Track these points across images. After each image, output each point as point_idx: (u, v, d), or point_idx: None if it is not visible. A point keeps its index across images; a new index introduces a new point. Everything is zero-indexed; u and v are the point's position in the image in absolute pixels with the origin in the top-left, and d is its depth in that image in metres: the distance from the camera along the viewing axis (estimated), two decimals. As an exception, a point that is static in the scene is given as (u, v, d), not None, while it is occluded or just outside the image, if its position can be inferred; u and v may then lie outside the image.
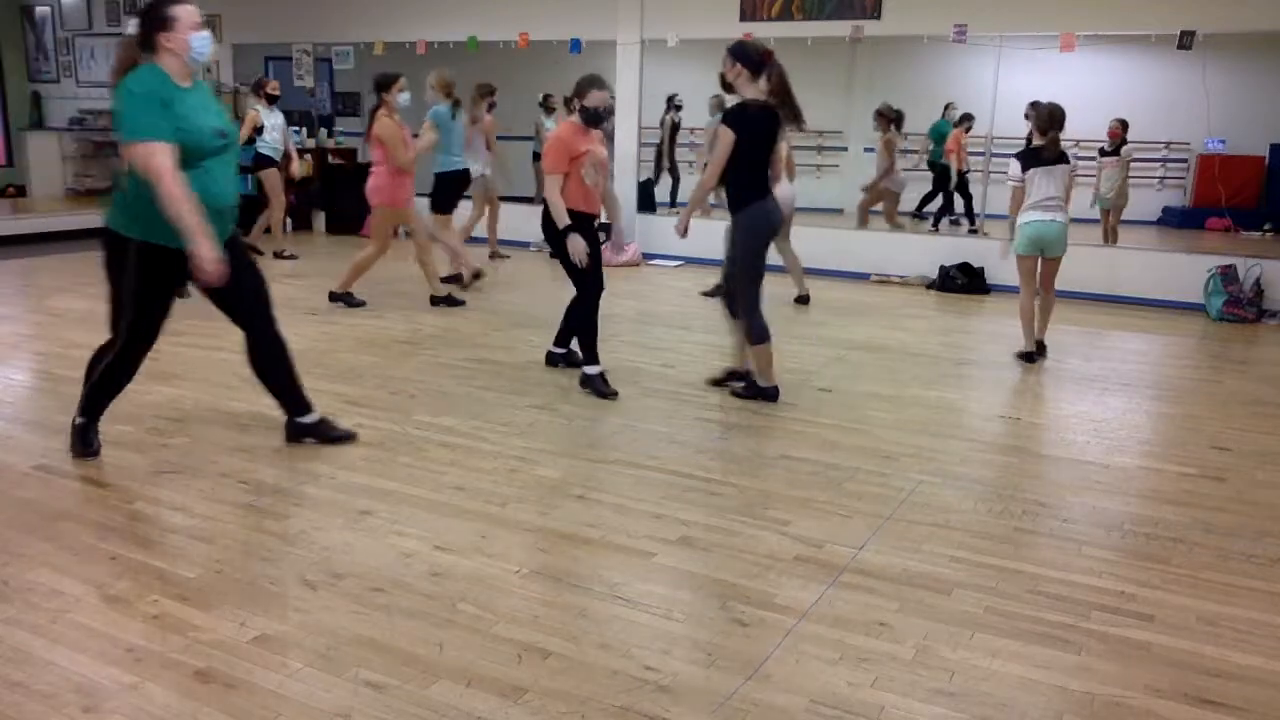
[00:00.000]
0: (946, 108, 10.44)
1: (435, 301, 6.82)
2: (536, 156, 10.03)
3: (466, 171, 7.39)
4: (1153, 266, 7.91)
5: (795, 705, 2.23)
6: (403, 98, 6.27)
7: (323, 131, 11.26)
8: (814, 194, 10.47)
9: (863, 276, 8.75)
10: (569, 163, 4.56)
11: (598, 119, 4.66)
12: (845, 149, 11.33)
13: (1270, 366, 5.87)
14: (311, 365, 5.10)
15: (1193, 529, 3.32)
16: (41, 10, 12.64)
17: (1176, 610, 2.74)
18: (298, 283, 7.65)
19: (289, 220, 9.85)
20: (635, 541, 3.09)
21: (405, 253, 7.82)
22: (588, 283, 4.69)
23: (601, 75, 4.78)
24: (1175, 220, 10.88)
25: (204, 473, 3.58)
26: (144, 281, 3.41)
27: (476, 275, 7.54)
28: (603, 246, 4.93)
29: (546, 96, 10.31)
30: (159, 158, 3.15)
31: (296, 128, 9.41)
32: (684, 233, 4.65)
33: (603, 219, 4.99)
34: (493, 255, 9.10)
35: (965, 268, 8.25)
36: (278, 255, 8.71)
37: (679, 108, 10.93)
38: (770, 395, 4.67)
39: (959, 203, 10.40)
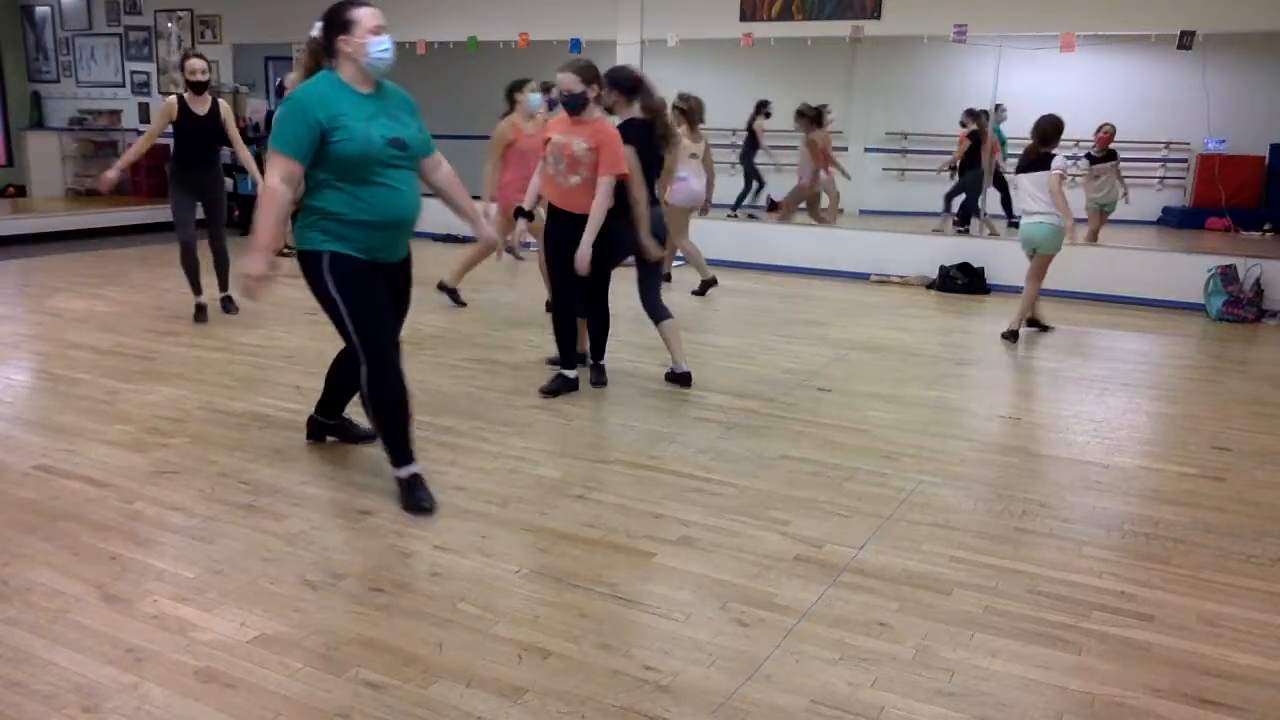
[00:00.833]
0: (997, 109, 10.13)
1: (442, 288, 6.90)
2: None
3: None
4: (1152, 266, 7.91)
5: (795, 705, 2.23)
6: (533, 99, 6.26)
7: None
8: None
9: (863, 276, 8.75)
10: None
11: (565, 104, 4.43)
12: (846, 149, 11.32)
13: (1270, 366, 5.87)
14: (310, 364, 5.11)
15: (1193, 529, 3.32)
16: (41, 10, 12.63)
17: (1176, 610, 2.74)
18: (298, 282, 7.63)
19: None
20: (635, 541, 3.09)
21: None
22: (558, 288, 4.67)
23: (584, 61, 4.48)
24: (1175, 220, 10.88)
25: (204, 473, 3.58)
26: (345, 296, 3.23)
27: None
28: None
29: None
30: (276, 166, 3.07)
31: None
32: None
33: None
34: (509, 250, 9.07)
35: (965, 268, 8.25)
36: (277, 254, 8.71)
37: (769, 115, 10.46)
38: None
39: (955, 201, 10.35)
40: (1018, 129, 9.84)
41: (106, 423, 4.13)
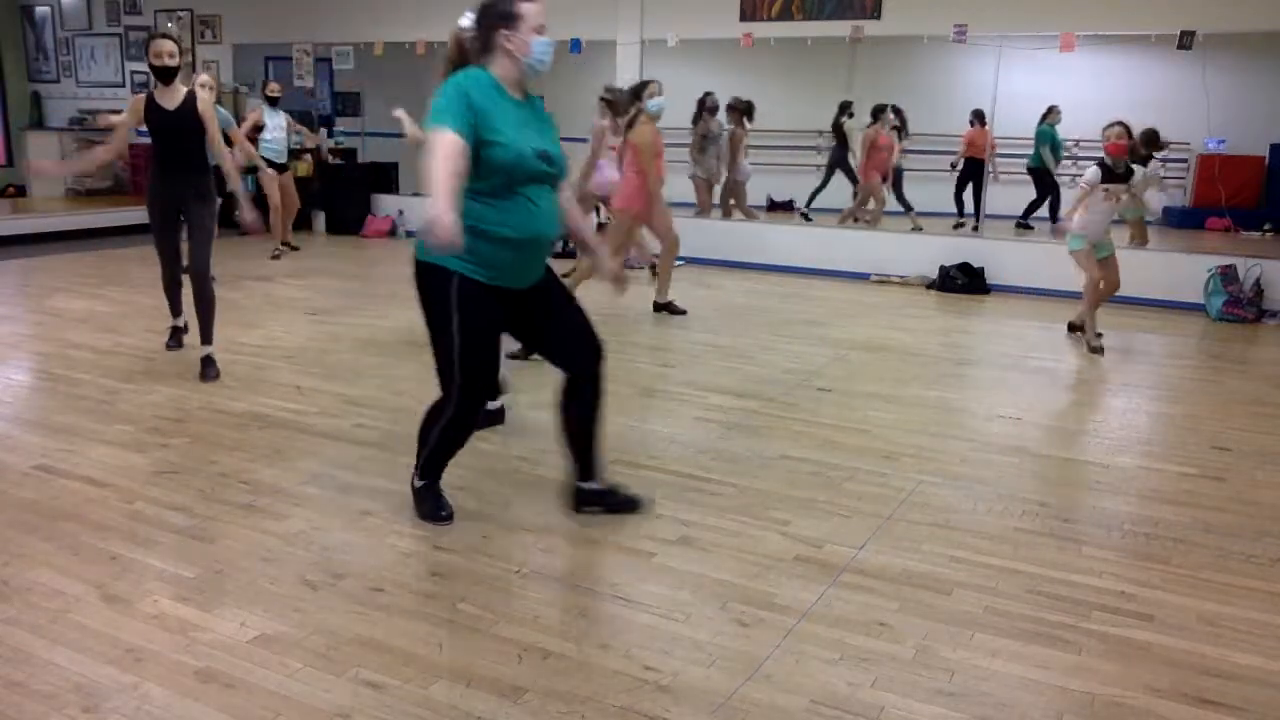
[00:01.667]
0: (1049, 111, 9.72)
1: (659, 308, 6.75)
2: None
3: None
4: (1152, 266, 7.89)
5: (795, 705, 2.23)
6: (652, 103, 6.15)
7: (323, 131, 11.26)
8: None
9: (863, 276, 8.75)
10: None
11: None
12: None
13: (1270, 366, 5.87)
14: (311, 364, 5.11)
15: (1193, 529, 3.32)
16: (41, 10, 12.64)
17: (1176, 610, 2.74)
18: (298, 282, 7.66)
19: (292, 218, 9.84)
20: (635, 541, 3.09)
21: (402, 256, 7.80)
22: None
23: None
24: (1175, 220, 10.86)
25: (204, 473, 3.58)
26: (464, 326, 2.90)
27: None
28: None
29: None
30: (443, 136, 2.65)
31: (299, 132, 9.42)
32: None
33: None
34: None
35: (965, 268, 8.24)
36: (273, 256, 8.72)
37: (852, 115, 10.17)
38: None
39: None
40: (1018, 129, 9.89)
41: (106, 423, 4.12)
